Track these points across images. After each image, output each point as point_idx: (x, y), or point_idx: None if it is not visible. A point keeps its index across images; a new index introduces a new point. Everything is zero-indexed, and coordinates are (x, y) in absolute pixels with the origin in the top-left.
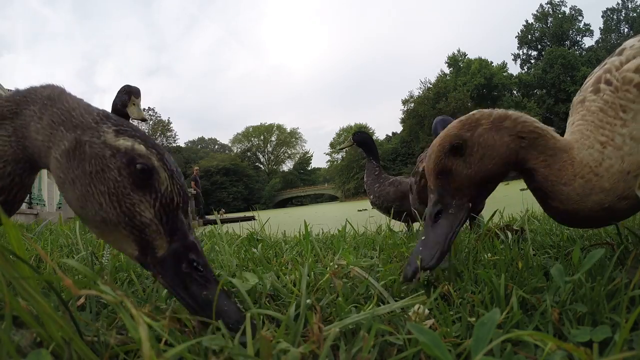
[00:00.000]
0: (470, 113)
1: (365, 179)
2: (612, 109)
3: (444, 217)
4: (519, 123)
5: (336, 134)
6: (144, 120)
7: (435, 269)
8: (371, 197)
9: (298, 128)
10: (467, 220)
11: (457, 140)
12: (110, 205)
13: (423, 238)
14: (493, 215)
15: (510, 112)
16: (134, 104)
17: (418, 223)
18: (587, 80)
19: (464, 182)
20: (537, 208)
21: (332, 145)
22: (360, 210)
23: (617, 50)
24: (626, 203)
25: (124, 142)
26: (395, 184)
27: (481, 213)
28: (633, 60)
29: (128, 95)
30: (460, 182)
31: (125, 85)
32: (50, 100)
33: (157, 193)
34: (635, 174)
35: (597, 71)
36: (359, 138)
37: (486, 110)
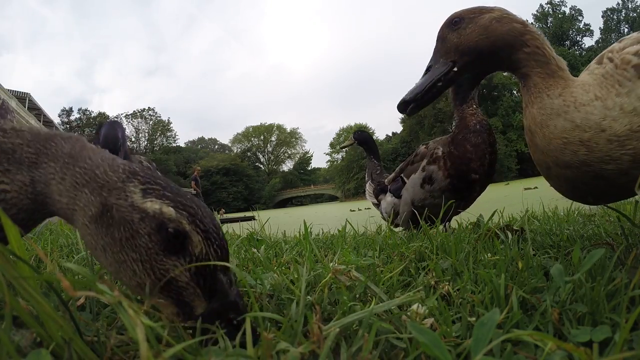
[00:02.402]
0: (492, 6)
1: (367, 179)
2: (612, 79)
3: (430, 71)
4: (527, 33)
5: (336, 134)
6: None
7: (409, 103)
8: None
9: (298, 128)
10: (449, 87)
11: (457, 17)
12: (144, 272)
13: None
14: (492, 215)
15: (530, 26)
16: None
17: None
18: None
19: (450, 48)
20: (537, 208)
21: (332, 145)
22: (353, 210)
23: (618, 40)
24: (584, 153)
25: (152, 205)
26: None
27: (480, 213)
28: (634, 46)
29: None
30: (448, 47)
31: None
32: (71, 159)
33: (192, 257)
34: (609, 138)
35: (603, 52)
36: (359, 137)
37: (506, 9)
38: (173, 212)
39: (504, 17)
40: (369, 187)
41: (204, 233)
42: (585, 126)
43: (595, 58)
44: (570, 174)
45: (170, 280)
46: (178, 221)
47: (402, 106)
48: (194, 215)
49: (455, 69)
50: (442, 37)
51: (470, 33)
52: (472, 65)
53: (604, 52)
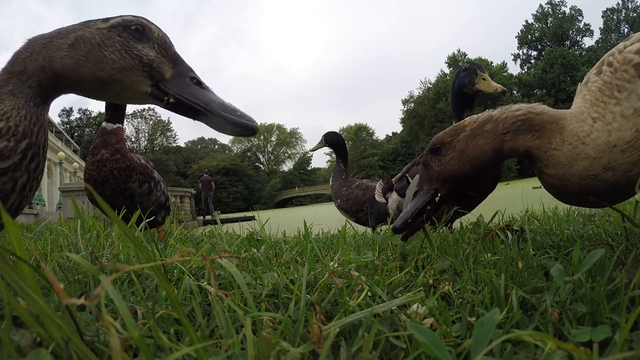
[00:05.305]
0: (466, 119)
1: (331, 183)
2: (609, 89)
3: (417, 197)
4: (500, 122)
5: None
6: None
7: (401, 231)
8: (338, 200)
9: (298, 128)
10: (439, 210)
11: (438, 143)
12: (122, 57)
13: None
14: (494, 216)
15: (496, 112)
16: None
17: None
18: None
19: (433, 176)
20: (537, 208)
21: None
22: None
23: (626, 38)
24: (612, 175)
25: (115, 19)
26: (362, 187)
27: (480, 213)
28: (637, 43)
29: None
30: (431, 175)
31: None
32: (39, 37)
33: (153, 39)
34: (622, 148)
35: (604, 56)
36: (331, 139)
37: (476, 116)
38: (132, 17)
39: (476, 129)
40: (378, 187)
41: (157, 27)
42: (598, 152)
43: (596, 64)
44: (603, 194)
45: (142, 56)
46: (138, 20)
47: (394, 233)
48: (148, 20)
49: (438, 197)
50: (425, 163)
51: (450, 161)
52: (459, 189)
53: (605, 56)
